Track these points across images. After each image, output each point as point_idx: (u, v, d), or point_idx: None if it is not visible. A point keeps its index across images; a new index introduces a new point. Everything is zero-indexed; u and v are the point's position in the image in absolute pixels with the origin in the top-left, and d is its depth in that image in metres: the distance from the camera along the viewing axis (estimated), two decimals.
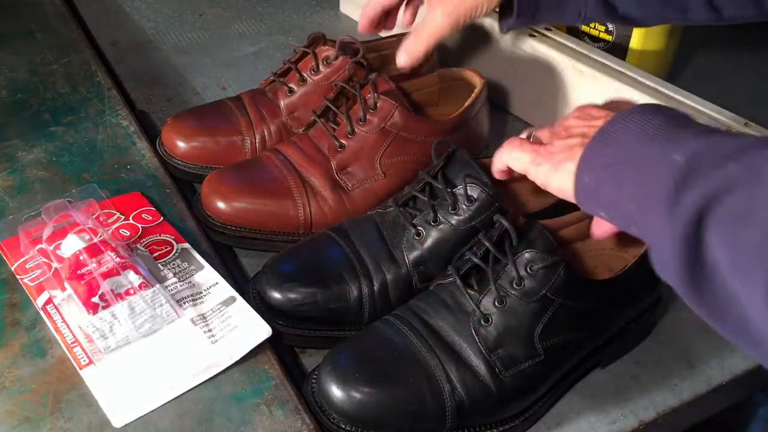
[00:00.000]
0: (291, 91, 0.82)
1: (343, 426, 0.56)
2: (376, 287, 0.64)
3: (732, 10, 0.72)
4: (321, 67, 0.81)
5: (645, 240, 0.48)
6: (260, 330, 0.63)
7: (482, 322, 0.58)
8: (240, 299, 0.66)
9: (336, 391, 0.56)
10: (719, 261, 0.41)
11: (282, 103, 0.82)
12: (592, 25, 0.97)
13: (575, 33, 0.99)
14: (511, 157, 0.60)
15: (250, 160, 0.78)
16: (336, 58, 0.81)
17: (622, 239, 0.67)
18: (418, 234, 0.65)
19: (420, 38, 0.76)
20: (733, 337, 0.44)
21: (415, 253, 0.65)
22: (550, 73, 0.89)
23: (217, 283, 0.67)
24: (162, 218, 0.74)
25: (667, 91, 0.81)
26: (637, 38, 0.95)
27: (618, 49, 0.97)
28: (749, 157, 0.42)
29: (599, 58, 0.87)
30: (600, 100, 0.85)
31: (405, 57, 0.77)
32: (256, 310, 0.64)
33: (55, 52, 1.01)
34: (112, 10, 1.18)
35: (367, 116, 0.74)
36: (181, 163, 0.82)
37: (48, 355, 0.62)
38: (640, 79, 0.83)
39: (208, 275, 0.68)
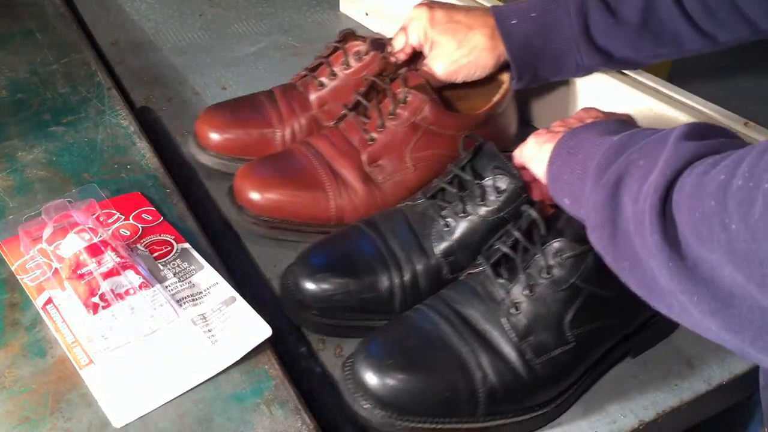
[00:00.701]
0: (322, 85, 0.83)
1: (377, 412, 0.57)
2: (406, 278, 0.65)
3: (726, 34, 0.74)
4: (352, 61, 0.83)
5: (585, 217, 0.51)
6: (260, 330, 0.63)
7: (512, 311, 0.59)
8: (240, 299, 0.66)
9: (370, 378, 0.57)
10: (627, 217, 0.46)
11: (313, 97, 0.84)
12: None
13: None
14: (523, 147, 0.65)
15: (282, 153, 0.79)
16: (366, 53, 0.82)
17: None
18: (447, 225, 0.66)
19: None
20: (641, 292, 0.48)
21: (444, 244, 0.66)
22: None
23: (217, 283, 0.67)
24: (162, 218, 0.74)
25: (667, 91, 0.81)
26: None
27: None
28: (667, 131, 0.47)
29: None
30: (600, 100, 0.85)
31: None
32: (289, 300, 0.65)
33: (55, 52, 1.01)
34: (112, 10, 1.18)
35: (398, 110, 0.76)
36: (214, 155, 0.83)
37: (48, 355, 0.62)
38: (640, 79, 0.83)
39: (208, 275, 0.68)
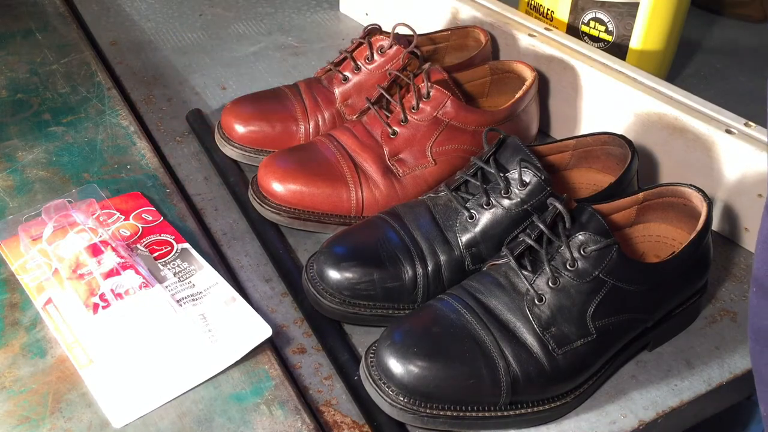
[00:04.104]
0: (346, 78, 0.85)
1: (402, 398, 0.57)
2: (430, 268, 0.66)
3: None
4: (376, 56, 0.84)
5: None
6: (260, 330, 0.63)
7: (536, 302, 0.59)
8: (240, 299, 0.66)
9: (395, 365, 0.57)
10: None
11: (337, 91, 0.85)
12: (592, 24, 0.97)
13: (575, 33, 0.99)
14: None
15: (305, 145, 0.80)
16: (390, 47, 0.83)
17: (669, 227, 0.69)
18: (471, 217, 0.67)
19: None
20: None
21: (467, 236, 0.67)
22: (550, 73, 0.89)
23: (217, 283, 0.67)
24: (162, 218, 0.74)
25: (666, 91, 0.81)
26: (637, 38, 0.95)
27: (618, 49, 0.97)
28: None
29: (599, 58, 0.87)
30: (600, 100, 0.85)
31: None
32: (314, 290, 0.66)
33: (55, 52, 1.01)
34: (112, 10, 1.18)
35: (420, 105, 0.76)
36: (238, 146, 0.84)
37: (48, 355, 0.62)
38: (640, 79, 0.83)
39: (208, 275, 0.68)
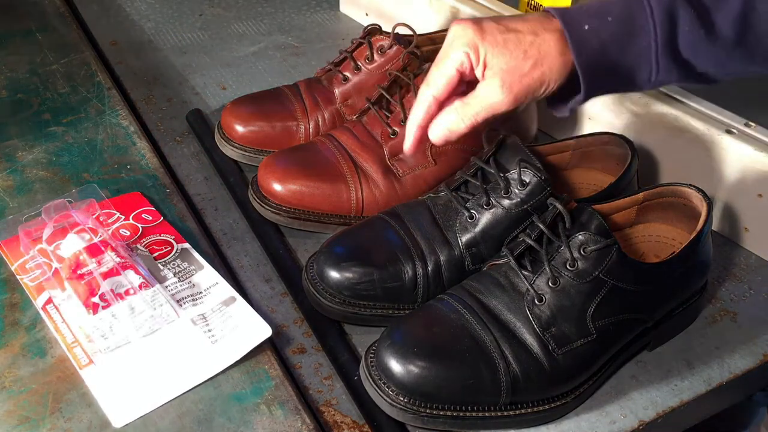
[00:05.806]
0: (345, 78, 0.85)
1: (402, 398, 0.57)
2: (430, 268, 0.66)
3: None
4: (375, 56, 0.84)
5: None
6: (260, 330, 0.63)
7: (536, 302, 0.59)
8: (240, 299, 0.66)
9: (395, 365, 0.57)
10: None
11: (336, 91, 0.85)
12: None
13: None
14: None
15: (305, 145, 0.80)
16: (390, 47, 0.83)
17: (669, 227, 0.69)
18: (471, 217, 0.67)
19: (466, 113, 0.61)
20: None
21: (468, 236, 0.67)
22: None
23: (217, 283, 0.67)
24: (162, 218, 0.74)
25: (666, 91, 0.81)
26: None
27: None
28: None
29: None
30: (599, 100, 0.85)
31: (441, 134, 0.63)
32: (314, 290, 0.66)
33: (55, 52, 1.01)
34: (112, 10, 1.19)
35: None
36: (238, 146, 0.84)
37: (48, 355, 0.62)
38: None
39: (208, 275, 0.68)
